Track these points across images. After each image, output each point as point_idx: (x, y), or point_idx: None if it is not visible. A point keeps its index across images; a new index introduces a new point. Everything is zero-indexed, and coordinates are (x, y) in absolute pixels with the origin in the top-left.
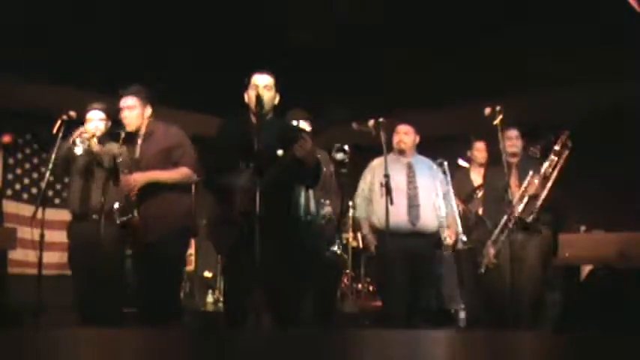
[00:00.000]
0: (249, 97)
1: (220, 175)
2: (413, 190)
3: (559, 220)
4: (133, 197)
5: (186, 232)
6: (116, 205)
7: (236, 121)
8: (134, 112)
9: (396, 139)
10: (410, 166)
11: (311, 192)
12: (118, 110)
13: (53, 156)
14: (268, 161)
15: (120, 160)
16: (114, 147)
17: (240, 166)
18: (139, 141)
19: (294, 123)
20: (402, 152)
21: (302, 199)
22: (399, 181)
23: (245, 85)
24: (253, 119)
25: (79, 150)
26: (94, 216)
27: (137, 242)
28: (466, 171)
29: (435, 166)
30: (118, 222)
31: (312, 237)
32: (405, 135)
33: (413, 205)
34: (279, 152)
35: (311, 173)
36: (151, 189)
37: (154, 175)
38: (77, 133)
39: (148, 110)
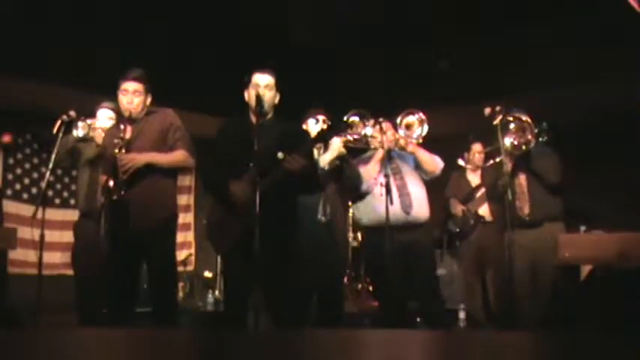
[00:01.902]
0: (250, 96)
1: (220, 175)
2: (400, 180)
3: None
4: (124, 177)
5: (173, 220)
6: (111, 183)
7: (236, 121)
8: (140, 98)
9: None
10: (392, 158)
11: (330, 192)
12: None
13: (55, 150)
14: (268, 162)
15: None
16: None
17: (240, 167)
18: (134, 124)
19: (312, 121)
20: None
21: (321, 200)
22: (383, 175)
23: (245, 84)
24: (253, 119)
25: (79, 133)
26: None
27: (124, 228)
28: (462, 172)
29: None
30: (112, 198)
31: (325, 238)
32: (391, 132)
33: (403, 194)
34: (280, 155)
35: (307, 183)
36: (141, 172)
37: (152, 157)
38: (83, 121)
39: (149, 99)
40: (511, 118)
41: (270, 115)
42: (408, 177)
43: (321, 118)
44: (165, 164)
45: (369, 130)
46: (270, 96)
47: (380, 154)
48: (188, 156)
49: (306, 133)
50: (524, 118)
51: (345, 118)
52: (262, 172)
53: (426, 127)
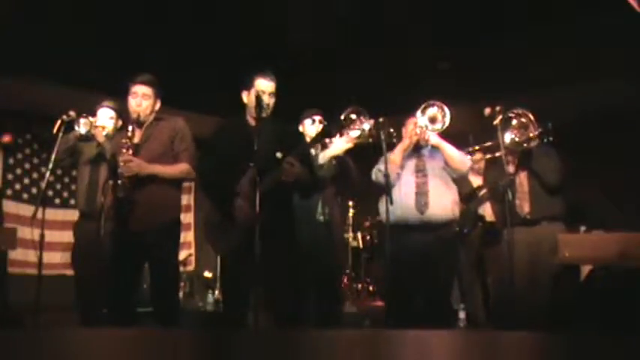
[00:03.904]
0: (250, 99)
1: (219, 176)
2: (421, 178)
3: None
4: (127, 175)
5: (175, 225)
6: (115, 181)
7: (234, 122)
8: (148, 101)
9: (410, 130)
10: (420, 154)
11: (328, 192)
12: (126, 95)
13: (55, 150)
14: (268, 163)
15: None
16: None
17: (239, 168)
18: (143, 128)
19: (309, 121)
20: (417, 144)
21: (319, 200)
22: (406, 172)
23: (245, 86)
24: (251, 120)
25: (81, 129)
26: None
27: (127, 228)
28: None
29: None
30: (117, 196)
31: (323, 237)
32: (420, 128)
33: (421, 192)
34: (278, 155)
35: (303, 189)
36: (145, 177)
37: (155, 168)
38: (85, 118)
39: (158, 104)
40: (513, 115)
41: (267, 117)
42: (432, 176)
43: (317, 118)
44: (167, 176)
45: (366, 126)
46: (272, 102)
47: (402, 146)
48: (190, 169)
49: (303, 135)
50: (526, 115)
51: (342, 116)
52: (262, 172)
53: (448, 119)
